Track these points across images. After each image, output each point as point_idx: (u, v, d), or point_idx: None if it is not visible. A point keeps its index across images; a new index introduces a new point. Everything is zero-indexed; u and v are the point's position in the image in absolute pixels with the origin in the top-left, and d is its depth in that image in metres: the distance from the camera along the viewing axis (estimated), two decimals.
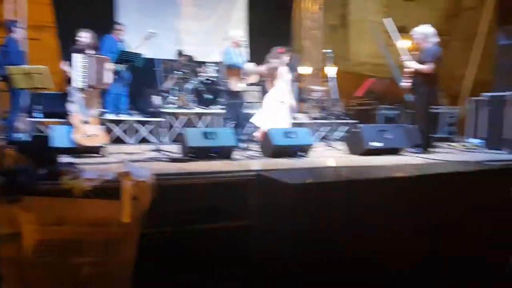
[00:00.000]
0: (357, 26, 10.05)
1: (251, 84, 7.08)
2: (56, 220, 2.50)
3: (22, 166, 2.78)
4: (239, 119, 6.48)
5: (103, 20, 7.45)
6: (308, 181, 3.23)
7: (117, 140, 6.69)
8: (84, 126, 5.06)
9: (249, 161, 4.87)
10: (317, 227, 2.94)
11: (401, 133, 5.81)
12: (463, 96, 8.49)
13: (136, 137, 6.98)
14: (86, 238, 2.55)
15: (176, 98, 7.65)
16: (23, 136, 5.69)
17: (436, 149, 6.02)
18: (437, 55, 5.62)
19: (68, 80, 5.69)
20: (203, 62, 8.41)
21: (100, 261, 2.59)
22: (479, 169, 4.07)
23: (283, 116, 5.92)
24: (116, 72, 6.50)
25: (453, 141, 7.15)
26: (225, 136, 4.99)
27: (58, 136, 4.82)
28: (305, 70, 9.74)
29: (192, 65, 8.15)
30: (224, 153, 4.84)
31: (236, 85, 6.38)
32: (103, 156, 5.00)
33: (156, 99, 7.45)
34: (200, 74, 8.12)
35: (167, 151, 5.31)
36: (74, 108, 5.27)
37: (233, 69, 6.34)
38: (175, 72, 7.81)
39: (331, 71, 7.60)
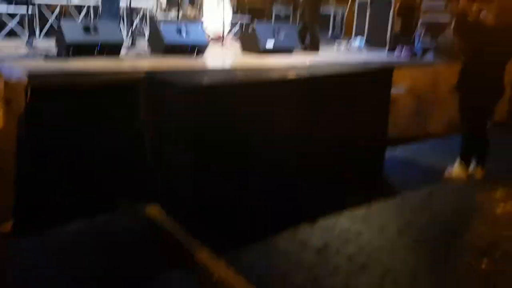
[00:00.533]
0: None
1: None
2: None
3: None
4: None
5: None
6: (201, 84, 3.16)
7: None
8: None
9: (138, 60, 4.52)
10: (210, 131, 2.95)
11: (293, 33, 5.84)
12: None
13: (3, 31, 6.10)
14: None
15: None
16: None
17: (324, 50, 6.21)
18: None
19: None
20: None
21: None
22: (361, 71, 4.34)
23: None
24: None
25: (339, 42, 7.41)
26: (109, 30, 4.52)
27: None
28: None
29: None
30: (109, 50, 4.42)
31: None
32: None
33: None
34: None
35: (41, 48, 4.73)
36: None
37: None
38: None
39: None
